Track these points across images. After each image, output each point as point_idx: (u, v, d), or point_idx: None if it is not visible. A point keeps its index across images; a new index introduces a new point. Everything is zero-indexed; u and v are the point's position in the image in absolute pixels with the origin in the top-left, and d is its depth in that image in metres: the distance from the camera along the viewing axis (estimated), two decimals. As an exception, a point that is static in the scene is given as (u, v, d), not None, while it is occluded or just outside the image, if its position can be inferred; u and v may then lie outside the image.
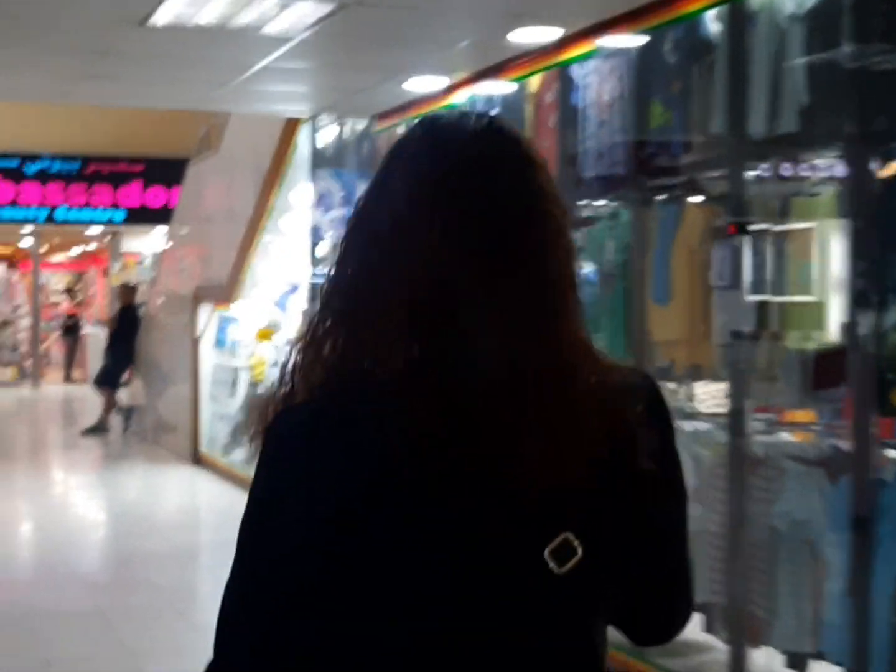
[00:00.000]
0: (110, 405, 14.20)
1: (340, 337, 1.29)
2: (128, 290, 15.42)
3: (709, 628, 5.04)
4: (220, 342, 11.20)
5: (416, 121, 1.38)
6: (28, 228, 21.78)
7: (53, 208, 21.39)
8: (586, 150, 5.57)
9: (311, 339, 1.31)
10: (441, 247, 1.25)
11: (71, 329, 23.36)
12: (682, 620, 1.47)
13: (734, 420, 4.73)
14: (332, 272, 1.33)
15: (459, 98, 6.81)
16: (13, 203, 21.17)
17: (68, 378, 22.90)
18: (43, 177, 21.35)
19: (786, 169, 4.75)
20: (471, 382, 1.25)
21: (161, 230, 22.02)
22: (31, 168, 21.27)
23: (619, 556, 1.34)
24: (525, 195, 1.30)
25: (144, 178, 21.64)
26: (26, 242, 23.33)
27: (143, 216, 21.61)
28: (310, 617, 1.26)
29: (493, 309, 1.25)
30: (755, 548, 4.64)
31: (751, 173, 4.72)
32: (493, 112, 1.57)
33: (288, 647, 1.26)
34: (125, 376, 14.54)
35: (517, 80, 6.30)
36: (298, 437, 1.28)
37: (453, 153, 1.30)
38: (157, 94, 7.20)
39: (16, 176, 21.18)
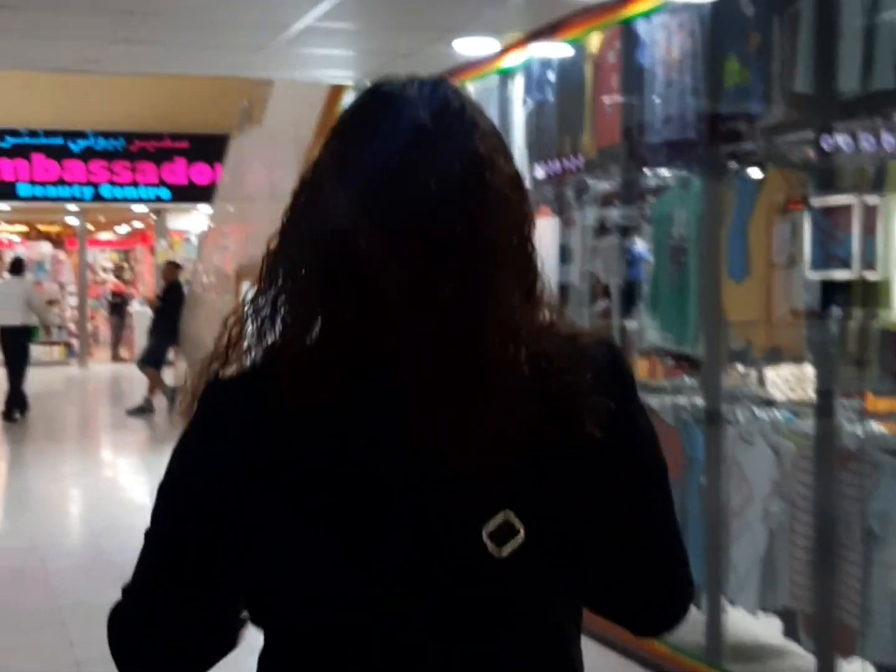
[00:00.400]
0: (154, 385, 13.92)
1: (267, 311, 1.27)
2: (172, 268, 15.09)
3: (789, 634, 4.68)
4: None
5: (365, 88, 1.31)
6: (74, 206, 21.59)
7: (98, 186, 21.20)
8: (653, 113, 5.13)
9: (245, 313, 1.29)
10: (359, 217, 1.19)
11: (118, 307, 23.17)
12: (678, 606, 1.37)
13: (822, 408, 4.29)
14: (272, 247, 1.30)
15: (512, 61, 6.37)
16: (59, 181, 20.99)
17: (115, 357, 22.73)
18: (87, 154, 21.15)
19: (879, 130, 4.26)
20: (383, 353, 1.20)
21: (206, 208, 21.85)
22: (76, 146, 21.08)
23: (571, 537, 1.25)
24: (462, 164, 1.22)
25: (189, 155, 21.43)
26: (72, 220, 23.14)
27: (189, 194, 21.39)
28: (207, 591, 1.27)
29: (405, 280, 1.19)
30: (846, 550, 4.21)
31: (840, 136, 4.24)
32: (442, 78, 1.37)
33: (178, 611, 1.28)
34: (169, 355, 14.25)
35: (574, 39, 5.85)
36: (216, 410, 1.29)
37: (392, 122, 1.23)
38: (191, 60, 6.82)
39: (61, 154, 21.00)
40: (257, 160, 11.17)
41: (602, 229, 5.64)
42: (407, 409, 1.19)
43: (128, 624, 1.30)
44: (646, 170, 5.30)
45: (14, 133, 20.58)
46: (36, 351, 21.55)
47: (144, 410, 13.79)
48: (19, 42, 6.40)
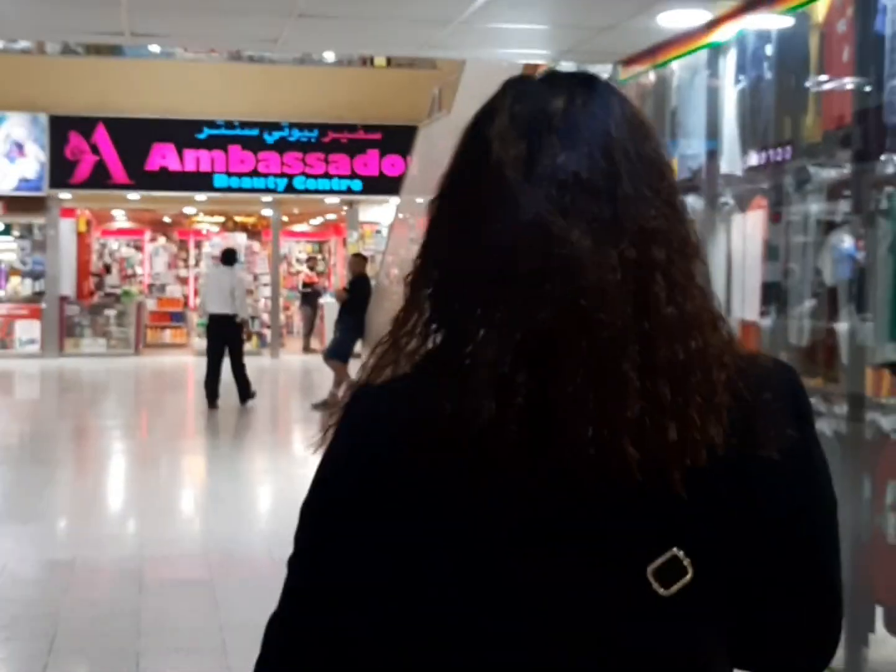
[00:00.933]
0: (340, 379, 13.66)
1: (421, 322, 1.19)
2: (360, 260, 14.79)
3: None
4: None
5: (501, 86, 1.22)
6: (267, 198, 21.68)
7: (292, 177, 21.24)
8: (894, 89, 4.39)
9: (397, 325, 1.20)
10: (555, 215, 1.12)
11: (310, 298, 23.20)
12: (822, 657, 1.24)
13: None
14: (420, 252, 1.22)
15: (723, 34, 5.69)
16: (253, 172, 21.10)
17: (307, 348, 22.78)
18: (282, 146, 21.20)
19: None
20: (572, 350, 1.10)
21: (398, 200, 21.67)
22: (271, 137, 21.16)
23: (738, 573, 1.15)
24: (630, 160, 1.16)
25: (381, 146, 21.28)
26: (267, 212, 23.29)
27: (381, 185, 21.26)
28: (357, 618, 1.16)
29: (614, 273, 1.11)
30: None
31: None
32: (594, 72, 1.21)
33: (330, 640, 1.16)
34: (356, 349, 13.97)
35: (796, 7, 5.15)
36: (363, 418, 1.18)
37: (542, 115, 1.17)
38: (371, 38, 6.37)
39: (256, 145, 21.11)
40: (445, 150, 10.70)
41: (825, 223, 4.93)
42: (580, 431, 1.09)
43: (274, 657, 1.20)
44: (883, 156, 4.56)
45: (211, 124, 20.79)
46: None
47: (329, 405, 13.55)
48: (198, 18, 6.09)
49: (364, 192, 21.51)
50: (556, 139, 1.15)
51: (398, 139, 21.20)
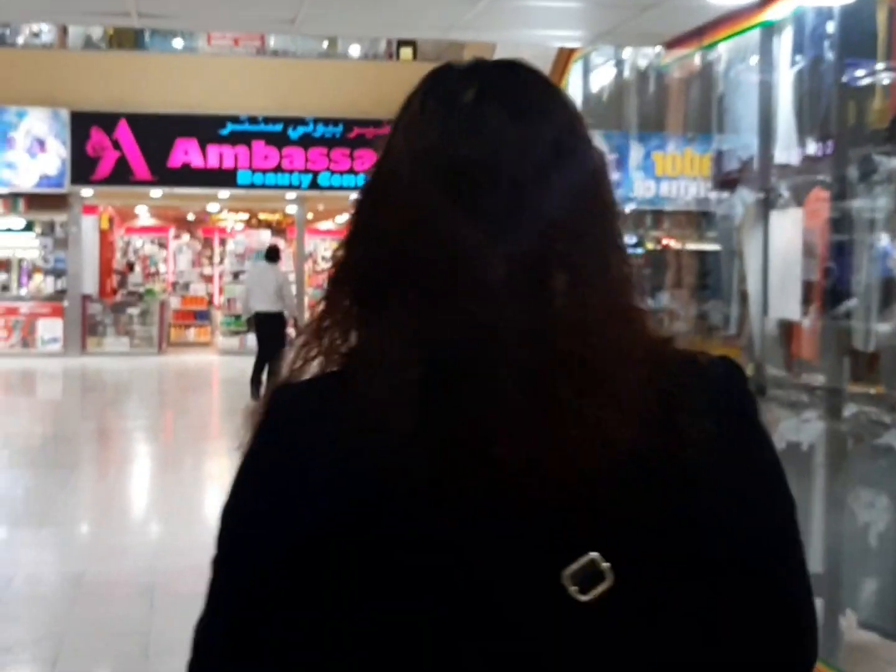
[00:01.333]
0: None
1: (342, 315, 1.15)
2: None
3: None
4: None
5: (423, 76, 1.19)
6: (292, 194, 21.31)
7: (317, 174, 20.89)
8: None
9: (315, 319, 1.16)
10: (446, 208, 1.08)
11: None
12: (796, 665, 1.13)
13: None
14: (344, 241, 1.17)
15: (778, 11, 5.25)
16: (277, 168, 20.76)
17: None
18: (306, 141, 20.86)
19: None
20: (473, 354, 1.06)
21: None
22: (295, 133, 20.81)
23: (673, 582, 1.07)
24: (549, 143, 1.12)
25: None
26: (291, 209, 22.93)
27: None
28: (285, 633, 1.10)
29: (504, 269, 1.07)
30: None
31: None
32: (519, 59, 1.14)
33: (259, 653, 1.10)
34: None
35: (861, -18, 4.72)
36: (288, 420, 1.11)
37: (451, 105, 1.13)
38: (395, 19, 5.97)
39: (280, 141, 20.77)
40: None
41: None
42: (501, 418, 1.04)
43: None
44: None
45: (235, 119, 20.46)
46: (252, 340, 21.52)
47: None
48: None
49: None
50: (461, 130, 1.11)
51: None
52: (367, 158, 20.98)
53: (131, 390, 17.26)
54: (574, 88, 7.67)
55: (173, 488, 9.42)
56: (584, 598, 1.04)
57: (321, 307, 1.17)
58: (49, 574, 6.83)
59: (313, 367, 1.15)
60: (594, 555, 1.05)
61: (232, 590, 1.13)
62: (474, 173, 1.09)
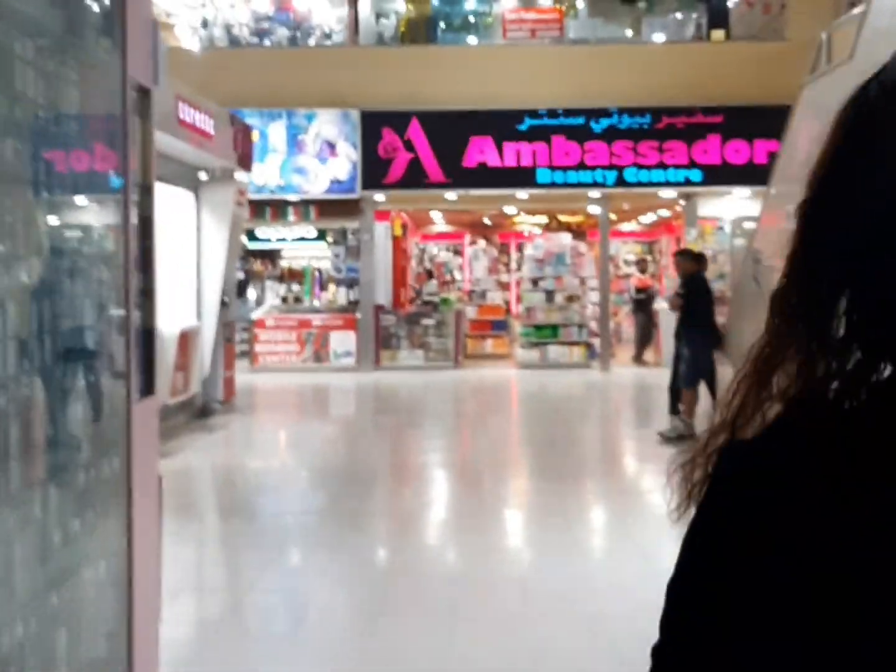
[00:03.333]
0: (691, 406, 11.29)
1: (800, 353, 0.96)
2: (688, 258, 12.02)
3: None
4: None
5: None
6: (595, 193, 19.51)
7: (622, 169, 19.05)
8: None
9: (761, 357, 0.98)
10: None
11: (643, 305, 20.79)
12: None
13: None
14: (790, 263, 0.97)
15: None
16: (579, 165, 19.04)
17: (639, 359, 20.43)
18: (610, 134, 19.04)
19: None
20: None
21: (742, 191, 19.07)
22: (598, 125, 19.04)
23: None
24: None
25: (723, 130, 18.76)
26: (594, 209, 21.11)
27: (722, 175, 18.75)
28: None
29: None
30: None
31: None
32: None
33: None
34: (706, 365, 11.50)
35: None
36: (748, 484, 0.92)
37: None
38: None
39: (582, 135, 19.05)
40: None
41: None
42: None
43: None
44: None
45: (533, 114, 18.89)
46: (554, 352, 19.87)
47: (684, 437, 11.18)
48: None
49: (704, 182, 19.02)
50: None
51: (743, 122, 18.69)
52: (678, 150, 18.98)
53: (426, 409, 15.84)
54: None
55: (470, 540, 7.79)
56: None
57: (765, 340, 0.98)
58: (317, 620, 5.29)
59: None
60: None
61: None
62: None
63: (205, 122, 12.20)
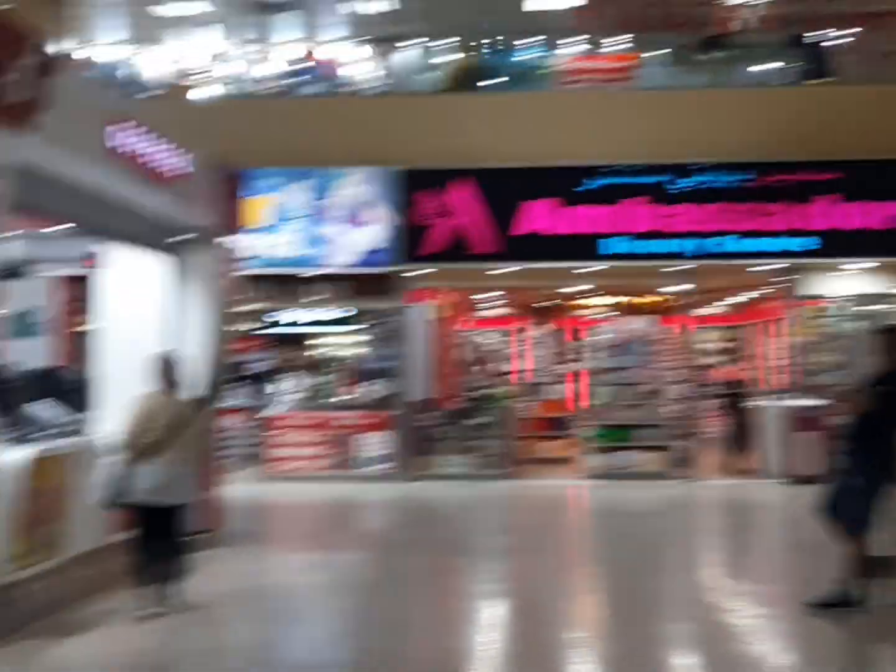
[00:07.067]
0: (858, 560, 7.75)
1: None
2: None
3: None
4: None
5: None
6: (676, 265, 16.14)
7: (705, 236, 15.73)
8: None
9: None
10: None
11: (735, 401, 17.19)
12: None
13: None
14: None
15: None
16: (653, 233, 15.76)
17: (730, 467, 16.77)
18: (690, 196, 15.79)
19: None
20: None
21: (858, 263, 15.73)
22: (675, 186, 15.79)
23: None
24: None
25: (837, 190, 15.42)
26: (671, 287, 17.67)
27: (840, 243, 15.39)
28: None
29: None
30: None
31: None
32: None
33: None
34: (875, 504, 7.89)
35: None
36: None
37: None
38: None
39: (657, 196, 15.80)
40: None
41: None
42: None
43: None
44: None
45: (593, 171, 15.71)
46: (629, 458, 16.35)
47: (841, 605, 7.63)
48: None
49: (819, 252, 15.69)
50: None
51: (860, 181, 15.43)
52: (778, 214, 15.68)
53: (476, 538, 12.32)
54: None
55: None
56: None
57: None
58: None
59: None
60: None
61: None
62: None
63: (158, 155, 9.05)
